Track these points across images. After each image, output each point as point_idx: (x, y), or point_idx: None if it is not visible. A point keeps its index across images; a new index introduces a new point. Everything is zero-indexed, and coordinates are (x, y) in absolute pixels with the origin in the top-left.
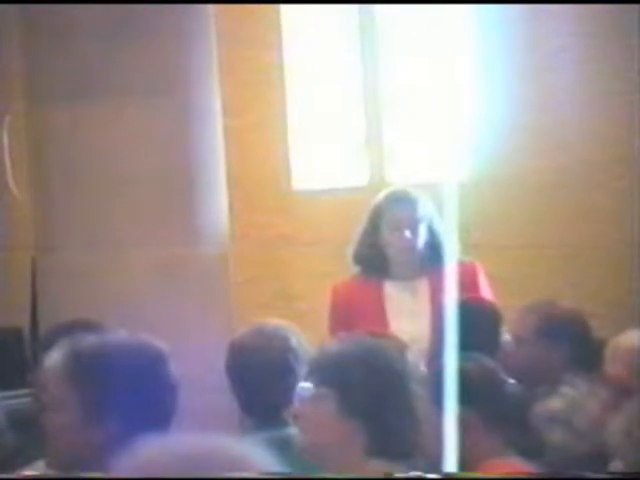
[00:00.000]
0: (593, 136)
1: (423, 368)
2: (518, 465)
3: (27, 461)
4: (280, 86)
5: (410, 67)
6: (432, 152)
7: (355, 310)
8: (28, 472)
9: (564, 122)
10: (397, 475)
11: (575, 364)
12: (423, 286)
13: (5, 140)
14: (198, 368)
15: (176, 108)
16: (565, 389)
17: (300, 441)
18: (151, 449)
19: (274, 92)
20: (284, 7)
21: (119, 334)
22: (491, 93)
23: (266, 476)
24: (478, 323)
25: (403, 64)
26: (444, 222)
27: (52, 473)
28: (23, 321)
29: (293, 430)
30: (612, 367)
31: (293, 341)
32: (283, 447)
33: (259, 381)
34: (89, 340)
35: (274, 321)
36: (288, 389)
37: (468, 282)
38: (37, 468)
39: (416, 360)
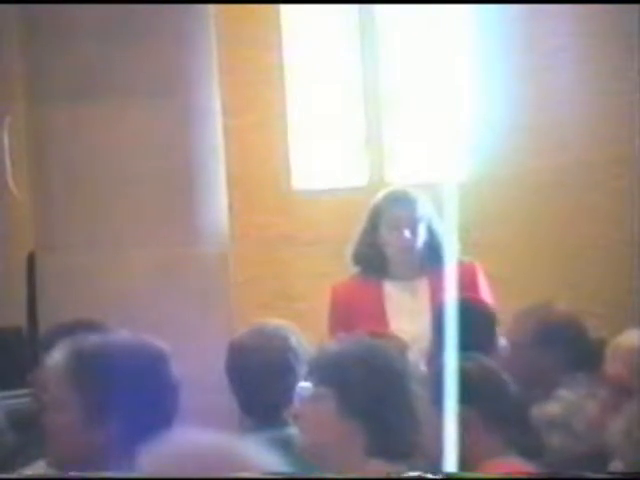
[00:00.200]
0: (592, 136)
1: (423, 368)
2: (518, 465)
3: (27, 461)
4: (280, 86)
5: (410, 67)
6: (432, 152)
7: (355, 310)
8: (28, 472)
9: (563, 122)
10: (397, 475)
11: (573, 367)
12: (423, 286)
13: (5, 140)
14: (198, 368)
15: (176, 108)
16: (563, 392)
17: (300, 441)
18: (170, 445)
19: (274, 92)
20: (284, 7)
21: (120, 334)
22: (490, 93)
23: (267, 476)
24: (472, 322)
25: (403, 64)
26: (444, 222)
27: (53, 472)
28: (23, 321)
29: (293, 430)
30: (612, 367)
31: (293, 341)
32: (283, 447)
33: (259, 381)
34: (91, 340)
35: (274, 321)
36: (288, 389)
37: (467, 282)
38: (37, 468)
39: (416, 360)
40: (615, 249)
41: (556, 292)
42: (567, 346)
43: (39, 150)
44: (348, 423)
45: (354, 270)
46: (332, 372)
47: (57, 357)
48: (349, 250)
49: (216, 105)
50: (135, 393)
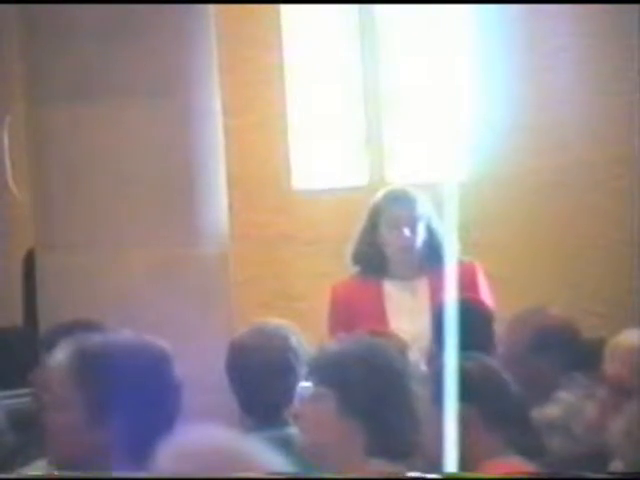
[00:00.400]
0: (592, 136)
1: (423, 367)
2: (518, 465)
3: (26, 461)
4: (280, 86)
5: (410, 67)
6: (432, 152)
7: (355, 309)
8: (28, 472)
9: (563, 122)
10: (397, 475)
11: (570, 369)
12: (422, 285)
13: (5, 140)
14: (198, 368)
15: (176, 108)
16: (562, 394)
17: (300, 441)
18: (190, 442)
19: (274, 92)
20: (284, 7)
21: (123, 334)
22: (490, 93)
23: (269, 476)
24: (471, 323)
25: (403, 64)
26: (444, 222)
27: (53, 472)
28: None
29: (293, 430)
30: (611, 367)
31: (293, 341)
32: (283, 447)
33: (259, 381)
34: (94, 340)
35: (274, 321)
36: (288, 389)
37: (467, 282)
38: (37, 468)
39: (416, 359)
40: (615, 249)
41: (556, 292)
42: (563, 349)
43: (39, 150)
44: (348, 423)
45: (354, 270)
46: (332, 372)
47: (60, 357)
48: (349, 250)
49: (216, 105)
50: (138, 393)
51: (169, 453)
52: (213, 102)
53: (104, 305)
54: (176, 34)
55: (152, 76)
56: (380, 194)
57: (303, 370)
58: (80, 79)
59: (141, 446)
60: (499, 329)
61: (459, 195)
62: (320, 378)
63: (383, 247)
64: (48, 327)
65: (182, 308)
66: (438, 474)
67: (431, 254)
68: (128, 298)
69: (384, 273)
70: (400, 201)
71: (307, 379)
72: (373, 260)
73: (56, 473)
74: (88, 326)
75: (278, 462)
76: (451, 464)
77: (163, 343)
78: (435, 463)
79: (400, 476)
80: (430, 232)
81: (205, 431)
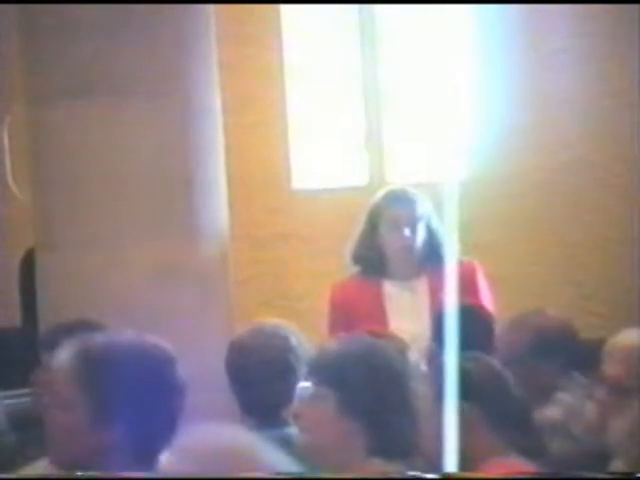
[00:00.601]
0: (592, 135)
1: (423, 367)
2: (519, 464)
3: (26, 461)
4: (280, 85)
5: (410, 67)
6: (431, 152)
7: (355, 309)
8: (28, 472)
9: (563, 121)
10: (397, 475)
11: (569, 371)
12: (422, 285)
13: (5, 140)
14: (198, 367)
15: (176, 108)
16: (561, 396)
17: (300, 441)
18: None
19: (274, 91)
20: (284, 7)
21: (126, 335)
22: (490, 92)
23: (269, 476)
24: (470, 329)
25: (403, 64)
26: (444, 221)
27: (54, 472)
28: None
29: (293, 430)
30: (610, 367)
31: (293, 340)
32: (283, 447)
33: (259, 380)
34: (97, 341)
35: (274, 320)
36: (288, 389)
37: (467, 281)
38: (37, 468)
39: (416, 359)
40: (615, 248)
41: (556, 291)
42: (562, 350)
43: (39, 150)
44: (348, 423)
45: (354, 270)
46: (332, 372)
47: (63, 357)
48: (349, 249)
49: (216, 104)
50: (140, 395)
51: (185, 451)
52: (213, 101)
53: (104, 305)
54: (176, 34)
55: (152, 75)
56: (380, 194)
57: (303, 370)
58: (80, 78)
59: (143, 447)
60: (498, 330)
61: (459, 195)
62: (320, 378)
63: (383, 247)
64: (48, 327)
65: (182, 307)
66: (438, 474)
67: (431, 254)
68: (128, 298)
69: (384, 273)
70: (400, 201)
71: (307, 379)
72: (373, 260)
73: (57, 473)
74: (88, 326)
75: (284, 461)
76: (451, 464)
77: (166, 344)
78: (435, 463)
79: (400, 476)
80: (430, 232)
81: (219, 430)
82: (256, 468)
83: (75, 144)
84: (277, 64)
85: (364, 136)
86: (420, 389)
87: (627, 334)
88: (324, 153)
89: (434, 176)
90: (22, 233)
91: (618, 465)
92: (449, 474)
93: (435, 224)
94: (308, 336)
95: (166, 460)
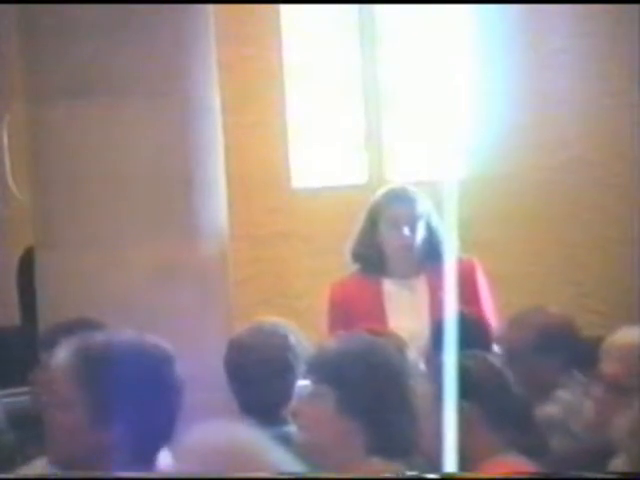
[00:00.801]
0: (591, 135)
1: (422, 365)
2: (519, 463)
3: (24, 460)
4: (280, 86)
5: (410, 67)
6: (431, 150)
7: (354, 308)
8: (26, 471)
9: (563, 121)
10: (397, 475)
11: (569, 368)
12: (422, 283)
13: (5, 140)
14: (197, 366)
15: (175, 107)
16: (561, 393)
17: (299, 439)
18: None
19: (274, 91)
20: (284, 7)
21: (126, 334)
22: (490, 92)
23: (269, 476)
24: (467, 337)
25: (403, 64)
26: (443, 220)
27: (53, 472)
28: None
29: (292, 428)
30: (608, 365)
31: (292, 339)
32: (282, 445)
33: (258, 379)
34: (96, 340)
35: (273, 319)
36: (287, 387)
37: (466, 279)
38: (35, 467)
39: (415, 357)
40: (614, 247)
41: (555, 290)
42: (563, 348)
43: (39, 149)
44: (347, 421)
45: (353, 268)
46: (331, 370)
47: (62, 356)
48: (348, 248)
49: (215, 104)
50: (140, 394)
51: (184, 450)
52: (212, 101)
53: (103, 304)
54: (175, 33)
55: (151, 75)
56: (380, 193)
57: (302, 368)
58: (80, 78)
59: (142, 446)
60: (498, 328)
61: (458, 193)
62: (319, 376)
63: (382, 245)
64: (47, 326)
65: (181, 307)
66: (438, 473)
67: (431, 252)
68: (127, 297)
69: (383, 271)
70: (400, 200)
71: (306, 377)
72: (372, 258)
73: (56, 473)
74: (87, 325)
75: (285, 459)
76: (451, 463)
77: (165, 344)
78: (435, 461)
79: (400, 476)
80: (430, 230)
81: (219, 428)
82: (257, 467)
83: (75, 144)
84: (277, 64)
85: (364, 135)
86: (419, 387)
87: (625, 332)
88: (324, 152)
89: (434, 175)
90: (22, 233)
91: (618, 463)
92: (449, 474)
93: (435, 222)
94: (307, 334)
95: (165, 459)
